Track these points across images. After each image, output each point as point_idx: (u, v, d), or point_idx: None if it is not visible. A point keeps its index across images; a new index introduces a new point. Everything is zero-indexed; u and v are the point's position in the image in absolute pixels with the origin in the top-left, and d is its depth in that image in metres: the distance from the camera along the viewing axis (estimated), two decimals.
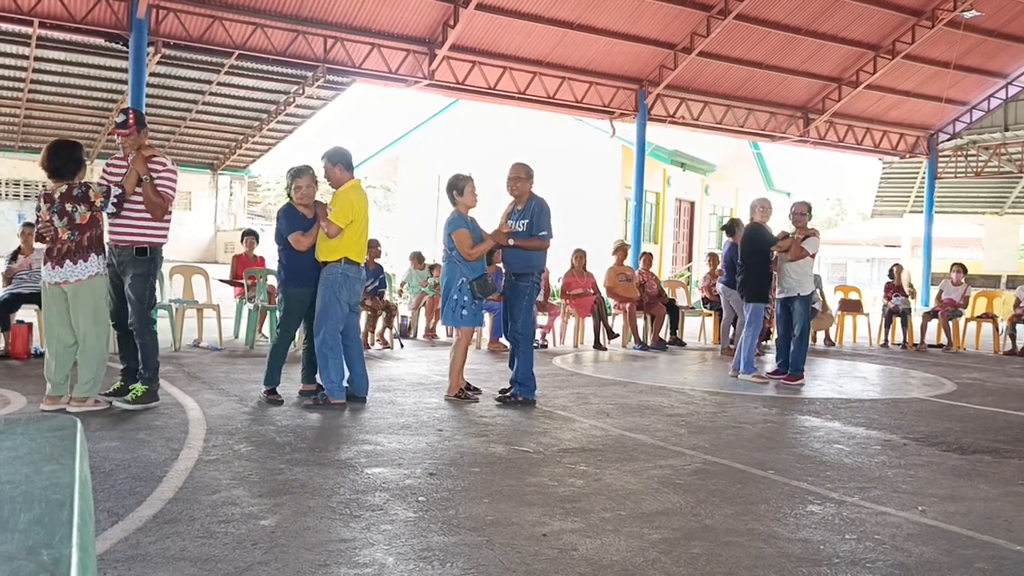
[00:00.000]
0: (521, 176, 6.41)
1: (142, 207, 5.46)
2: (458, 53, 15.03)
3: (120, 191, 5.34)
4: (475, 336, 8.87)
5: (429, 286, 11.27)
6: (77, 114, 19.07)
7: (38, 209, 5.28)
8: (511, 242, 6.29)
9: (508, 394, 6.30)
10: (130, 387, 5.53)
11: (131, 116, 5.55)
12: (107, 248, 5.50)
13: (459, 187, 6.32)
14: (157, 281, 5.78)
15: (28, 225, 7.85)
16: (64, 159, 5.22)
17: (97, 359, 5.27)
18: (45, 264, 5.24)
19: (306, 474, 3.96)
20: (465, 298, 6.19)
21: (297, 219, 5.93)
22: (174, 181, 5.62)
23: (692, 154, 23.20)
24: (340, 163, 6.03)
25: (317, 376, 6.07)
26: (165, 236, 5.63)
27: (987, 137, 22.02)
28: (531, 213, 6.31)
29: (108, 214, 5.37)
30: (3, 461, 1.16)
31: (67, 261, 5.15)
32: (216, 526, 3.15)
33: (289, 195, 6.08)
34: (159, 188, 5.47)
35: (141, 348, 5.56)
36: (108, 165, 5.69)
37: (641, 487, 3.97)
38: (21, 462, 1.16)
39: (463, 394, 6.30)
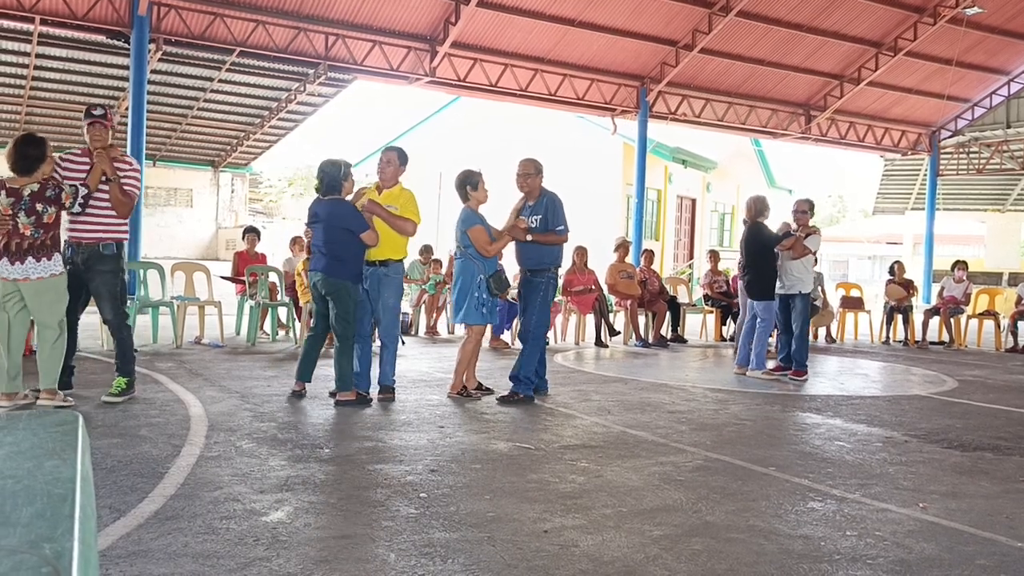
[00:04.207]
0: (531, 172, 6.41)
1: (106, 205, 5.47)
2: (459, 50, 15.03)
3: (86, 190, 5.33)
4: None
5: (430, 283, 11.28)
6: (78, 111, 19.03)
7: None
8: (529, 237, 6.30)
9: (510, 392, 6.29)
10: (113, 381, 5.64)
11: (108, 111, 5.65)
12: (66, 246, 5.49)
13: (473, 182, 6.31)
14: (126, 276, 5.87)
15: None
16: (37, 154, 5.13)
17: (61, 353, 5.27)
18: (1, 258, 5.08)
19: (308, 471, 3.97)
20: (484, 295, 6.19)
21: (361, 216, 5.87)
22: (139, 180, 5.72)
23: (693, 151, 23.19)
24: (404, 164, 6.19)
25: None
26: (128, 233, 5.76)
27: (989, 134, 22.00)
28: (544, 208, 6.32)
29: (73, 214, 5.34)
30: (5, 456, 1.17)
31: (29, 258, 5.07)
32: (218, 522, 3.16)
33: (334, 188, 5.87)
34: (125, 187, 5.52)
35: (120, 343, 5.67)
36: (64, 159, 5.61)
37: (642, 483, 3.97)
38: (23, 457, 1.16)
39: (465, 392, 6.30)
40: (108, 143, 5.56)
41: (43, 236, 5.11)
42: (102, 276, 5.53)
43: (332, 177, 5.87)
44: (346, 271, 5.82)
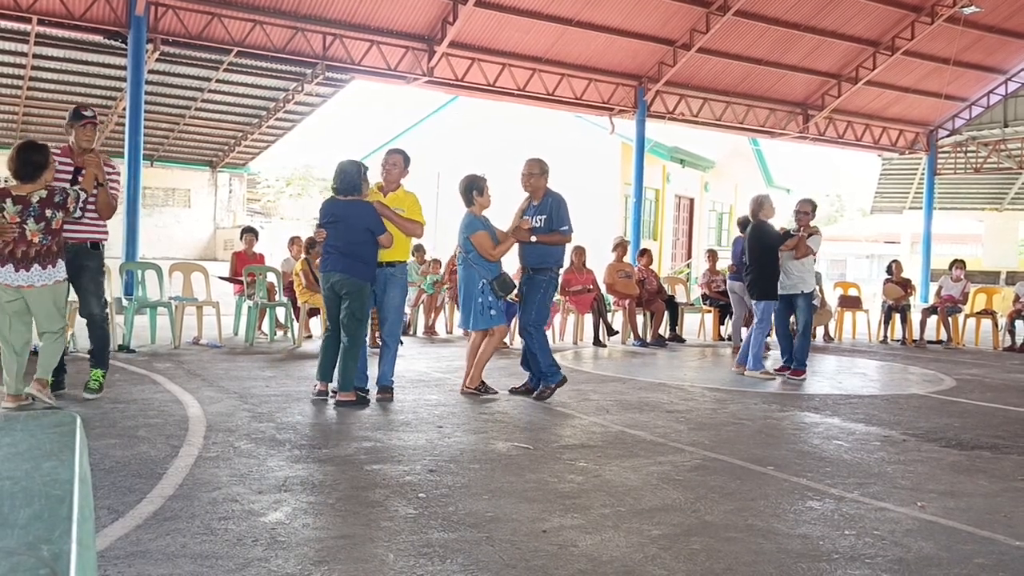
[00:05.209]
0: (535, 172, 6.44)
1: (91, 207, 5.55)
2: (457, 50, 15.03)
3: (86, 195, 5.36)
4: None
5: (427, 283, 11.28)
6: None
7: (1, 209, 5.10)
8: (533, 239, 6.31)
9: (541, 387, 6.31)
10: (90, 375, 5.68)
11: (94, 111, 5.74)
12: None
13: (479, 187, 6.34)
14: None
15: None
16: (40, 160, 5.12)
17: (59, 349, 5.33)
18: (4, 265, 5.04)
19: (306, 471, 3.97)
20: (490, 299, 6.24)
21: (380, 218, 5.88)
22: (119, 183, 5.88)
23: (691, 151, 23.21)
24: (408, 166, 6.25)
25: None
26: (108, 233, 5.87)
27: (986, 133, 22.03)
28: (549, 208, 6.34)
29: (74, 218, 5.35)
30: (3, 457, 1.16)
31: (35, 265, 5.07)
32: (216, 523, 3.16)
33: (354, 188, 5.85)
34: (110, 191, 5.64)
35: (101, 338, 5.74)
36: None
37: (641, 483, 3.97)
38: (21, 458, 1.16)
39: (483, 388, 6.31)
40: (92, 145, 5.63)
41: (51, 242, 5.13)
42: (89, 272, 5.64)
43: (352, 177, 5.85)
44: (368, 272, 5.86)
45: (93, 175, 5.44)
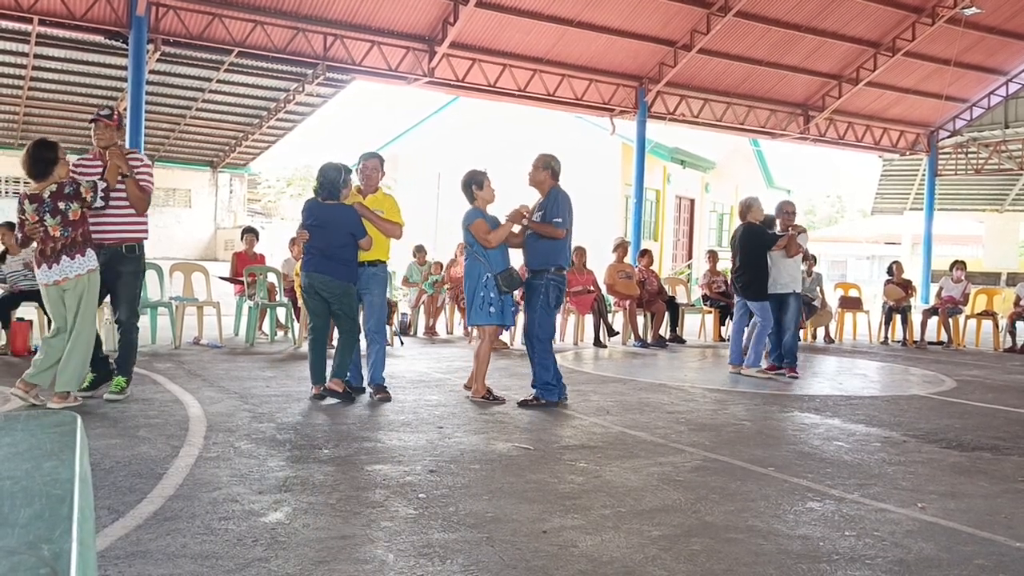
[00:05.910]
0: (538, 166, 6.37)
1: (125, 203, 5.55)
2: (458, 50, 15.03)
3: (105, 184, 5.38)
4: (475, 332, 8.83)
5: (428, 283, 11.28)
6: (77, 112, 19.05)
7: (22, 212, 5.19)
8: (524, 222, 6.24)
9: (533, 395, 6.15)
10: (112, 378, 5.70)
11: (117, 112, 5.74)
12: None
13: (478, 181, 6.29)
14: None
15: (8, 225, 7.84)
16: (50, 156, 5.17)
17: (85, 354, 5.30)
18: (40, 266, 5.20)
19: (306, 471, 3.97)
20: (492, 295, 6.13)
21: (362, 222, 5.99)
22: (152, 175, 5.79)
23: (692, 151, 23.19)
24: (383, 167, 6.37)
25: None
26: (147, 232, 5.80)
27: (987, 134, 22.01)
28: (547, 203, 6.25)
29: (96, 208, 5.36)
30: (4, 457, 1.17)
31: (64, 257, 5.14)
32: (216, 523, 3.16)
33: (335, 193, 5.95)
34: (140, 183, 5.60)
35: (127, 344, 5.72)
36: (77, 165, 5.66)
37: (641, 484, 3.97)
38: (21, 458, 1.16)
39: (490, 396, 6.20)
40: (114, 142, 5.61)
41: (73, 234, 5.17)
42: (124, 277, 5.63)
43: (333, 183, 5.94)
44: (350, 273, 5.99)
45: (116, 166, 5.45)
